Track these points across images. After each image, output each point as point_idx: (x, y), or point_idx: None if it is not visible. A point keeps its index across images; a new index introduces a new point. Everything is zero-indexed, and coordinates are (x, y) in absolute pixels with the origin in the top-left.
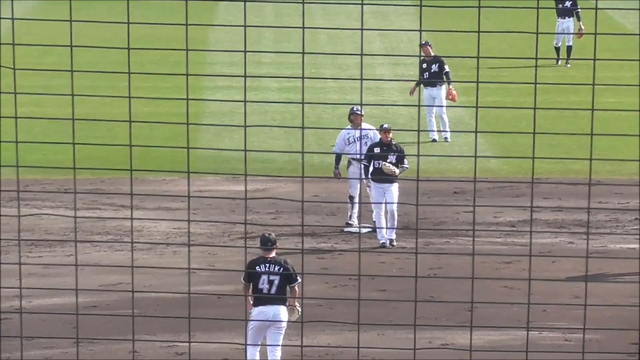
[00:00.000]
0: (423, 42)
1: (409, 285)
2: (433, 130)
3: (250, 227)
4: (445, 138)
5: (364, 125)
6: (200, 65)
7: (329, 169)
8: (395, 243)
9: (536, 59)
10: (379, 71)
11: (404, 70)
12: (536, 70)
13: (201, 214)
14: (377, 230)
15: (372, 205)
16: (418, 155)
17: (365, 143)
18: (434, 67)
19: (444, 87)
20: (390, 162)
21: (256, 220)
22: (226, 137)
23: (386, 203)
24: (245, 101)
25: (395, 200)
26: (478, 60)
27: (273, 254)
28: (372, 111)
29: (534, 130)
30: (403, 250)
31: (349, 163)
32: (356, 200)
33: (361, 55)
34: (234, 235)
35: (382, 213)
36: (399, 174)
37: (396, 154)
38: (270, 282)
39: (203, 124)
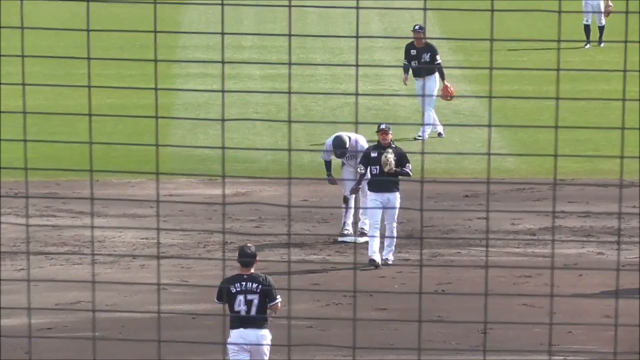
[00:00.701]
0: (416, 27)
1: (413, 304)
2: (436, 125)
3: (230, 236)
4: (420, 136)
5: (355, 137)
6: (171, 49)
7: (320, 169)
8: (390, 262)
9: (559, 41)
10: (378, 56)
11: None
12: (559, 54)
13: (172, 221)
14: (369, 241)
15: (366, 213)
16: (422, 153)
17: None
18: (425, 57)
19: (435, 78)
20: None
21: (236, 228)
22: (201, 133)
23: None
24: (223, 91)
25: (396, 217)
26: (492, 43)
27: (252, 270)
28: (370, 102)
29: (556, 123)
30: (406, 263)
31: (343, 163)
32: (352, 204)
33: (357, 37)
34: (210, 246)
35: (378, 227)
36: (399, 176)
37: (396, 157)
38: (249, 303)
39: (174, 118)
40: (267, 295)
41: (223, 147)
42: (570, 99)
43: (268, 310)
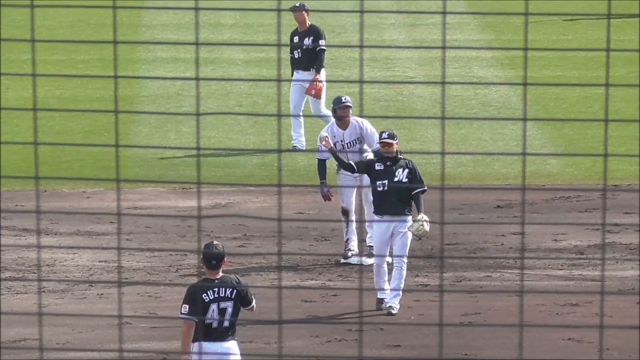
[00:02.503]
0: (297, 5)
1: (433, 339)
2: (299, 134)
3: None
4: (295, 147)
5: (354, 120)
6: (134, 28)
7: (317, 174)
8: (395, 311)
9: (609, 16)
10: (389, 35)
11: (425, 33)
12: (609, 30)
13: (137, 240)
14: (375, 276)
15: (372, 226)
16: (443, 154)
17: (360, 149)
18: (308, 42)
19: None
20: (398, 182)
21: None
22: (172, 132)
23: (392, 254)
24: (197, 79)
25: (407, 249)
26: (527, 18)
27: (220, 273)
28: (380, 92)
29: (606, 116)
30: (424, 289)
31: (338, 168)
32: (353, 217)
33: (361, 12)
34: (184, 270)
35: (385, 258)
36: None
37: (406, 171)
38: (222, 312)
39: (138, 112)
40: (242, 300)
41: (198, 148)
42: (625, 85)
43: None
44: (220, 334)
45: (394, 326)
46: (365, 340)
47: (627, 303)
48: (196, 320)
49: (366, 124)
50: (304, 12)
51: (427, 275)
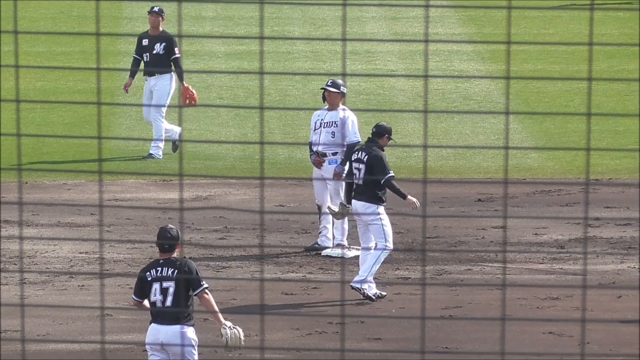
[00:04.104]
0: (154, 8)
1: (414, 332)
2: (159, 141)
3: (189, 250)
4: (151, 154)
5: (343, 108)
6: (115, 20)
7: (298, 166)
8: (365, 291)
9: (592, 8)
10: (370, 28)
11: (406, 26)
12: (591, 24)
13: (118, 232)
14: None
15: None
16: (425, 147)
17: (333, 133)
18: (158, 48)
19: (171, 78)
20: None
21: (196, 240)
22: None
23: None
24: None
25: (382, 235)
26: (509, 12)
27: (174, 255)
28: (361, 85)
29: (589, 110)
30: (405, 282)
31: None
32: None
33: (344, 4)
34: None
35: (368, 247)
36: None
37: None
38: (164, 292)
39: (120, 104)
40: (187, 283)
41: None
42: (607, 79)
43: (194, 307)
44: (166, 315)
45: (375, 319)
46: (346, 333)
47: (607, 297)
48: (136, 298)
49: (351, 117)
50: (160, 17)
51: (407, 269)
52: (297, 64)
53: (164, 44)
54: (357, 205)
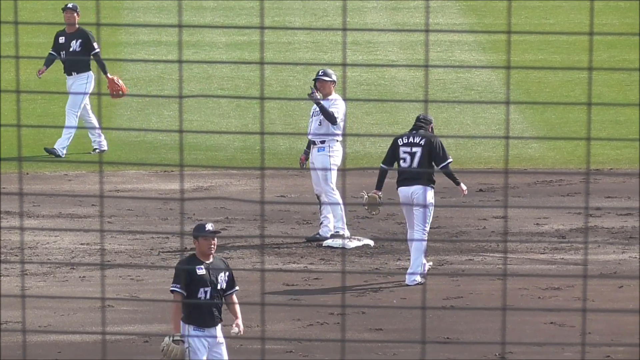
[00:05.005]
0: (69, 5)
1: (415, 322)
2: (95, 135)
3: (190, 241)
4: (96, 149)
5: (335, 95)
6: (116, 11)
7: (299, 157)
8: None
9: None
10: (371, 19)
11: (407, 16)
12: (592, 15)
13: (119, 223)
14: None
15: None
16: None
17: (320, 122)
18: (75, 45)
19: (89, 77)
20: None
21: None
22: (153, 115)
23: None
24: (180, 61)
25: (426, 221)
26: (510, 2)
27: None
28: (362, 75)
29: (589, 100)
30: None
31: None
32: (324, 199)
33: None
34: (166, 253)
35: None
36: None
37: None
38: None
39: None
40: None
41: (181, 131)
42: (608, 69)
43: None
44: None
45: (376, 309)
46: (348, 324)
47: (608, 287)
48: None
49: (339, 101)
50: (75, 13)
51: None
52: (298, 54)
53: (79, 40)
54: (411, 190)
